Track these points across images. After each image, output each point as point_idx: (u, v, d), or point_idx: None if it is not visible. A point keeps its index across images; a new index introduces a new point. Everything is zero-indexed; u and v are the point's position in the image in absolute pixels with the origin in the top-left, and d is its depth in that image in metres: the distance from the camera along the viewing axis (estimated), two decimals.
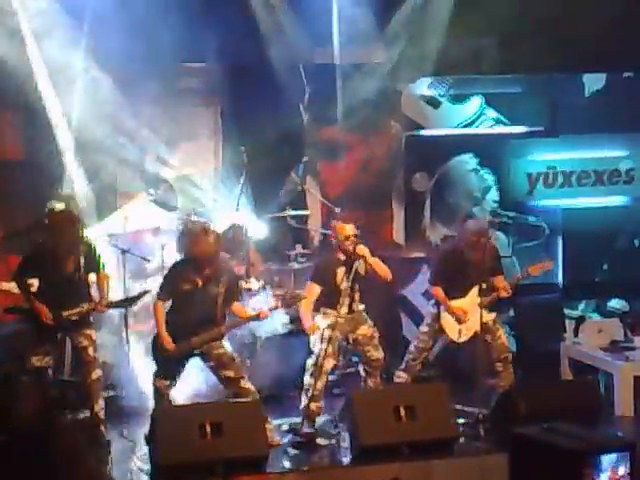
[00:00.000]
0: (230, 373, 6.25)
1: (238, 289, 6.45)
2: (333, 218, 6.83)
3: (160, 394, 6.26)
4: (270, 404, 6.58)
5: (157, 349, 6.26)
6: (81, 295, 6.38)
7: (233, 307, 6.38)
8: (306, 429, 6.40)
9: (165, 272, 6.54)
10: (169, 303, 6.32)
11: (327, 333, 6.40)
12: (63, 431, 5.59)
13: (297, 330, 7.11)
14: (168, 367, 6.26)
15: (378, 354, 6.57)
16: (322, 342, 6.41)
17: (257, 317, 6.38)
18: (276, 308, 6.43)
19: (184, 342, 6.23)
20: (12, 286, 6.70)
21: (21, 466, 5.28)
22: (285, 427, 6.55)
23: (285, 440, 6.38)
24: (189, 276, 6.24)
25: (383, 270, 6.51)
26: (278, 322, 7.28)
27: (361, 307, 6.61)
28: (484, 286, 6.65)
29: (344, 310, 6.47)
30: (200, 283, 6.24)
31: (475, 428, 6.38)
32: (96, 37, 7.51)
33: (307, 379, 6.44)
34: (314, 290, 6.51)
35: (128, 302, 6.50)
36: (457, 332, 6.83)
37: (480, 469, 5.73)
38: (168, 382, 6.26)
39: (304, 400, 6.42)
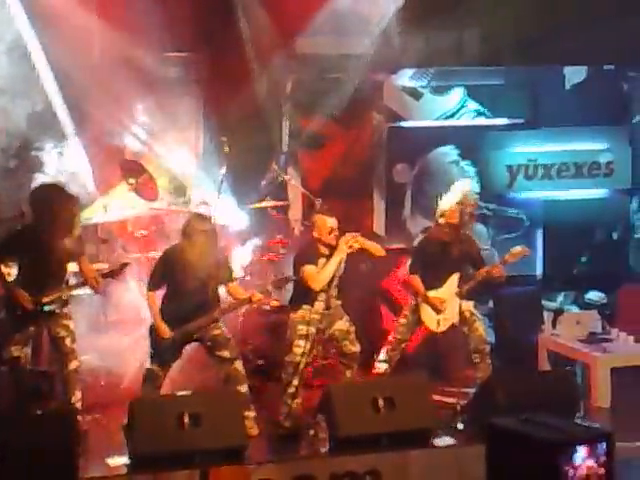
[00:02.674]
0: (225, 353, 6.29)
1: (230, 270, 6.44)
2: (314, 212, 6.82)
3: (153, 378, 6.28)
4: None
5: (154, 337, 6.29)
6: (60, 281, 6.33)
7: (229, 288, 6.39)
8: (286, 421, 6.42)
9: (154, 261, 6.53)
10: (162, 290, 6.33)
11: (305, 331, 6.41)
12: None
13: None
14: (165, 354, 6.30)
15: (354, 348, 6.58)
16: (301, 340, 6.42)
17: (249, 300, 6.36)
18: (267, 292, 6.40)
19: (179, 329, 6.27)
20: None
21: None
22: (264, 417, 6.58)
23: (264, 431, 6.39)
24: (180, 262, 6.23)
25: (377, 249, 6.53)
26: None
27: (337, 302, 6.62)
28: (463, 275, 6.66)
29: (321, 307, 6.47)
30: (192, 268, 6.23)
31: (453, 419, 6.41)
32: (75, 26, 7.45)
33: (285, 377, 6.46)
34: None
35: (111, 275, 6.44)
36: (435, 322, 6.86)
37: (458, 460, 5.75)
38: (162, 367, 6.29)
39: (284, 397, 6.44)
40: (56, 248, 6.20)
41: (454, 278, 6.78)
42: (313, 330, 6.46)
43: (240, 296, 6.39)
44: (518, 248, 6.99)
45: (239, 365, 6.32)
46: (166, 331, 6.26)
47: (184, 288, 6.27)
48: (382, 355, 6.96)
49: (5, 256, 6.29)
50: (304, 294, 6.47)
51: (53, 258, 6.22)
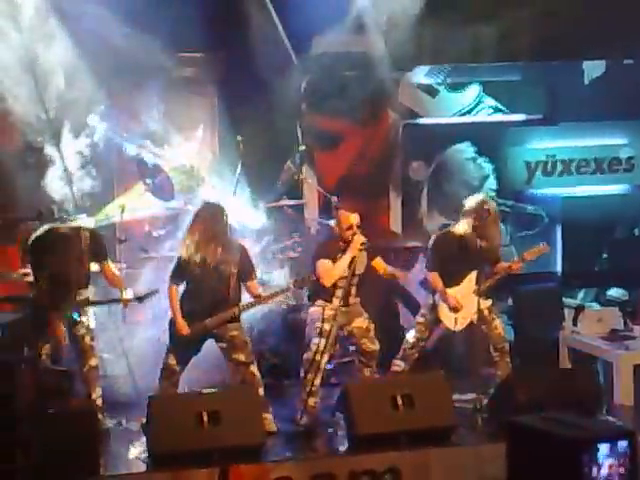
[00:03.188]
0: (241, 357, 6.29)
1: (252, 267, 6.43)
2: (337, 207, 6.82)
3: (169, 374, 6.30)
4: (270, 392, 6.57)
5: (173, 332, 6.30)
6: (82, 284, 6.39)
7: (249, 285, 6.38)
8: (304, 419, 6.40)
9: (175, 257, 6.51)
10: (182, 287, 6.36)
11: (321, 328, 6.39)
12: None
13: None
14: (182, 349, 6.31)
15: (374, 346, 6.56)
16: (318, 337, 6.40)
17: (269, 298, 6.40)
18: (288, 290, 6.43)
19: (198, 324, 6.27)
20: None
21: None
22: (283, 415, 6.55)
23: (283, 429, 6.36)
24: (200, 257, 6.24)
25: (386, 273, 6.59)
26: None
27: (356, 300, 6.59)
28: (480, 272, 6.61)
29: (337, 303, 6.45)
30: (212, 264, 6.24)
31: (473, 417, 6.37)
32: (92, 26, 7.46)
33: (303, 374, 6.43)
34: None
35: (138, 300, 6.50)
36: (453, 321, 6.81)
37: (478, 458, 5.71)
38: (179, 362, 6.30)
39: (302, 394, 6.42)
40: (75, 253, 6.28)
41: (472, 276, 6.73)
42: (329, 327, 6.44)
43: (259, 294, 6.39)
44: (538, 246, 6.93)
45: (254, 369, 6.32)
46: (184, 328, 6.27)
47: (204, 283, 6.27)
48: (400, 353, 6.93)
49: (35, 264, 6.37)
50: (322, 289, 6.46)
51: (72, 262, 6.30)
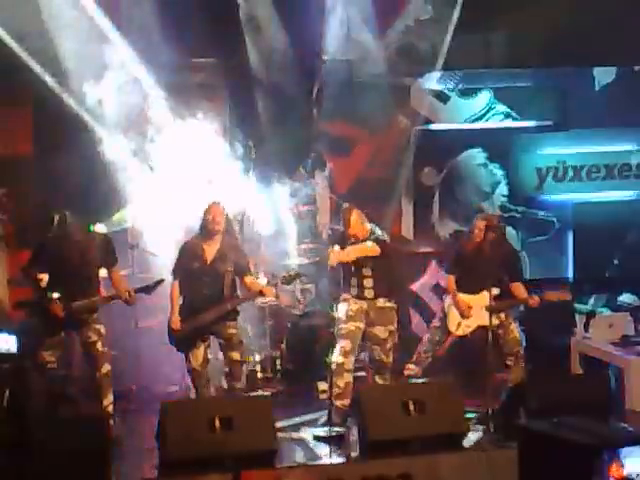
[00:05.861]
0: (237, 356, 6.42)
1: (247, 264, 6.54)
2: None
3: (196, 376, 6.43)
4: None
5: (169, 331, 6.44)
6: (91, 288, 6.41)
7: (246, 281, 6.48)
8: (334, 419, 6.38)
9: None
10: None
11: (346, 329, 6.41)
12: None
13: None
14: (179, 345, 6.46)
15: (386, 358, 6.55)
16: (341, 338, 6.43)
17: (260, 294, 6.49)
18: (275, 285, 6.53)
19: (191, 319, 6.38)
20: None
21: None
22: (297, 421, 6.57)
23: (297, 434, 6.38)
24: (198, 254, 6.39)
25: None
26: None
27: (387, 304, 6.54)
28: (496, 292, 6.59)
29: (354, 292, 6.47)
30: (209, 260, 6.37)
31: (485, 422, 6.36)
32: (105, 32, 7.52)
33: (329, 377, 6.46)
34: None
35: (144, 290, 6.55)
36: (456, 325, 6.83)
37: (489, 464, 5.71)
38: (199, 364, 6.41)
39: (329, 398, 6.43)
40: (86, 258, 6.30)
41: (488, 293, 6.66)
42: (354, 327, 6.44)
43: (257, 288, 6.46)
44: (562, 292, 7.05)
45: (244, 367, 6.57)
46: (177, 323, 6.40)
47: (200, 280, 6.40)
48: (414, 357, 6.94)
49: (36, 266, 6.39)
50: (344, 279, 6.52)
51: (83, 266, 6.31)
